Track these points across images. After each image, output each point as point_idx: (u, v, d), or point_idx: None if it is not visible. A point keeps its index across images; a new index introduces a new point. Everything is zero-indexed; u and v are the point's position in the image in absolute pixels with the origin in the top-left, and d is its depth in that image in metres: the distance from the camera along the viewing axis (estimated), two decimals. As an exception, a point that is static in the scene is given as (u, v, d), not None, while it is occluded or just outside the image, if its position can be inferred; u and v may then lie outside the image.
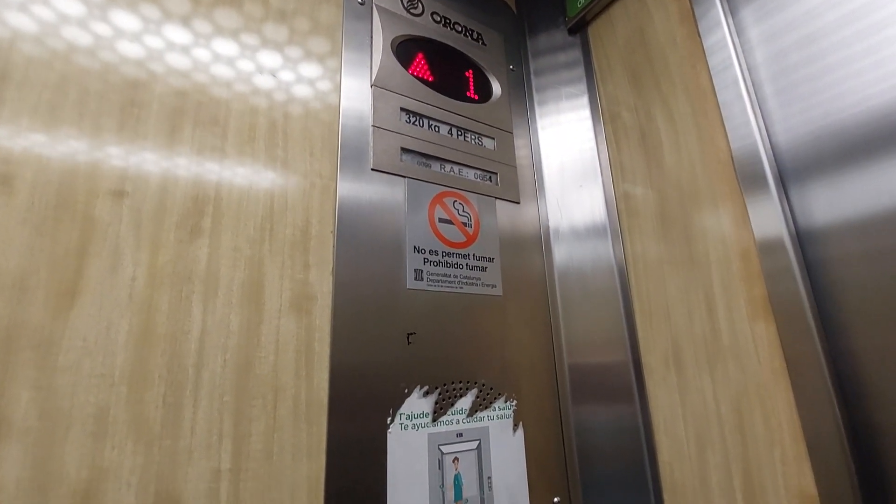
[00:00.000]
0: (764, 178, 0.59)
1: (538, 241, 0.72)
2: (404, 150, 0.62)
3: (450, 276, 0.60)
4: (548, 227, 0.73)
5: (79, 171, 0.41)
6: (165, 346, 0.42)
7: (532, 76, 0.83)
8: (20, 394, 0.35)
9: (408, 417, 0.51)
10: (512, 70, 0.80)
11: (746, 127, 0.64)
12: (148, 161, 0.45)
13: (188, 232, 0.45)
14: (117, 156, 0.43)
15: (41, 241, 0.39)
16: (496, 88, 0.76)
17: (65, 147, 0.41)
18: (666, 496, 0.58)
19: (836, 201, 0.54)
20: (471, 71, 0.74)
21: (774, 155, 0.62)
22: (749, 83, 0.68)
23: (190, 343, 0.43)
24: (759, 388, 0.57)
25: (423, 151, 0.64)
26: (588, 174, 0.73)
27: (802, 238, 0.57)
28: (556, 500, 0.59)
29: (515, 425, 0.59)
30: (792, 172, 0.61)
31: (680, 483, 0.58)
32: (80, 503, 0.36)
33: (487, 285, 0.63)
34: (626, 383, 0.61)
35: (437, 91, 0.68)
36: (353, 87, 0.61)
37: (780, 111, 0.63)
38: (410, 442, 0.51)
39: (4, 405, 0.35)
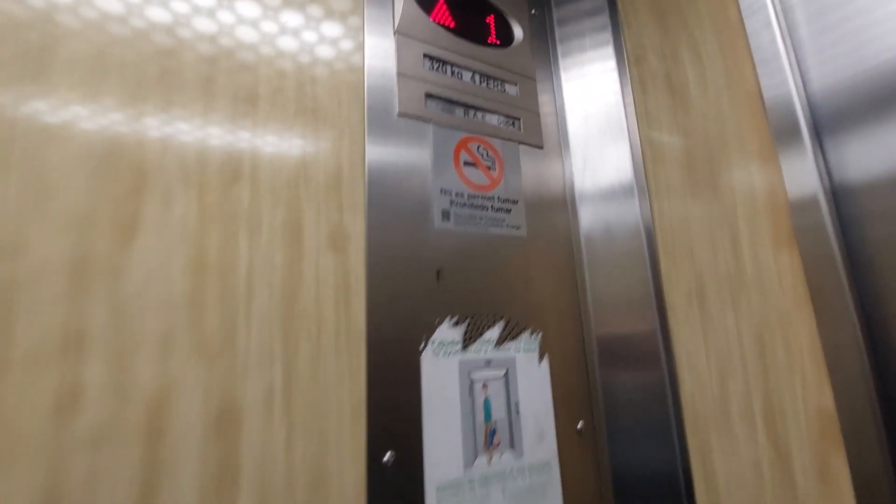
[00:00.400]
0: (796, 122, 0.58)
1: (561, 186, 0.73)
2: (429, 95, 0.63)
3: (475, 216, 0.62)
4: (572, 174, 0.74)
5: (121, 134, 0.45)
6: (217, 278, 0.46)
7: (555, 23, 0.82)
8: (98, 310, 0.40)
9: (440, 344, 0.55)
10: (534, 14, 0.79)
11: (781, 73, 0.62)
12: (182, 129, 0.48)
13: (230, 176, 0.48)
14: (153, 125, 0.46)
15: (100, 183, 0.43)
16: (518, 33, 0.76)
17: (103, 118, 0.44)
18: (687, 424, 0.60)
19: (869, 150, 0.53)
20: (492, 16, 0.73)
21: (808, 100, 0.60)
22: (783, 25, 0.65)
23: (239, 276, 0.47)
24: (780, 316, 0.58)
25: (447, 97, 0.65)
26: (613, 123, 0.73)
27: (833, 175, 0.56)
28: (579, 425, 0.62)
29: (541, 356, 0.62)
30: (825, 119, 0.59)
31: (702, 412, 0.60)
32: (154, 409, 0.40)
33: (512, 227, 0.65)
34: (650, 320, 0.63)
35: (459, 37, 0.68)
36: (376, 38, 0.62)
37: (815, 56, 0.61)
38: (442, 366, 0.54)
39: (87, 320, 0.39)
